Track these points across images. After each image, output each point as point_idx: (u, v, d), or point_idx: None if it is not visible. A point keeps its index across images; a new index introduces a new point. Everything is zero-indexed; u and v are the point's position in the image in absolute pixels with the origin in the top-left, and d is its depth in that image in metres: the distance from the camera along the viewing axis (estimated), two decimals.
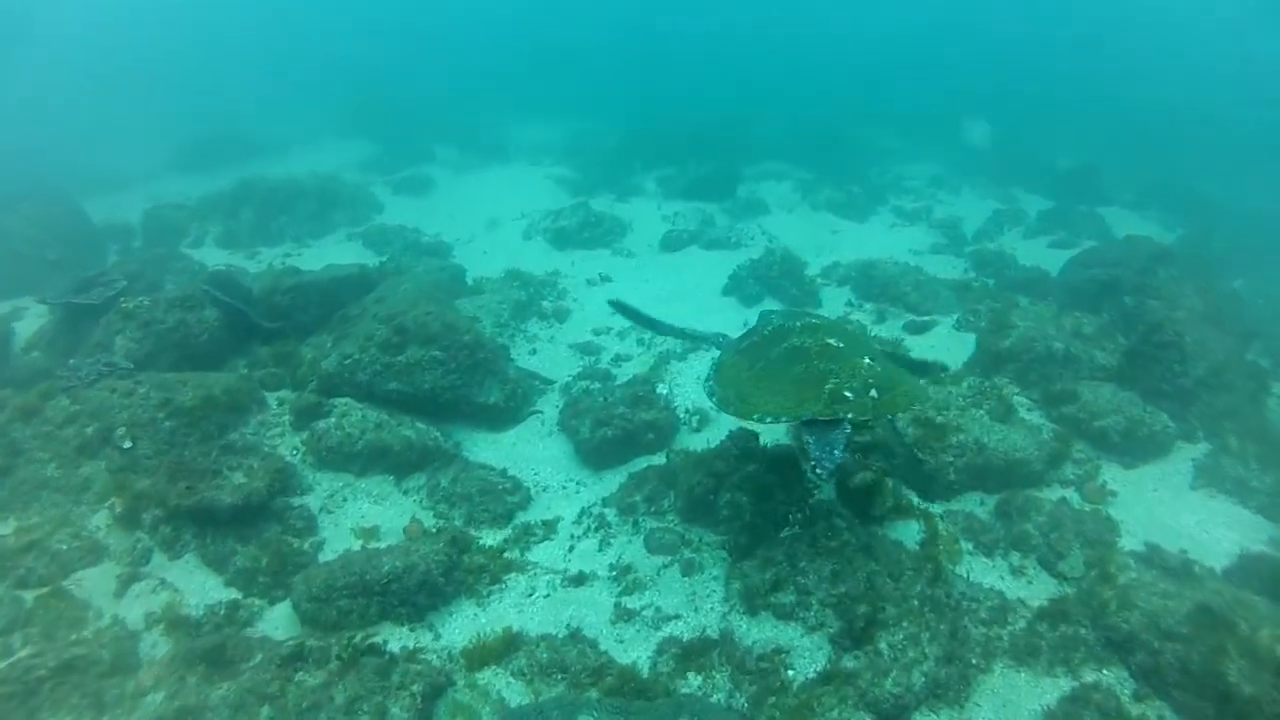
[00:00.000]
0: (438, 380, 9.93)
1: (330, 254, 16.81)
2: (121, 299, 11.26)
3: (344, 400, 9.72)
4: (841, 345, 6.91)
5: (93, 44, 37.67)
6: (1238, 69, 39.67)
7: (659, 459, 9.39)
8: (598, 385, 11.02)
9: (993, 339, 10.83)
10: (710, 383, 7.43)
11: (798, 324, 7.37)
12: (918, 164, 26.27)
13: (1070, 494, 8.69)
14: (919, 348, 11.94)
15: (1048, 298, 13.67)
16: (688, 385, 10.98)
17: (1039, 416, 9.81)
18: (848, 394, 6.36)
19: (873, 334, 12.49)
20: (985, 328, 11.50)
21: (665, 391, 10.72)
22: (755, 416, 6.68)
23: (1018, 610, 7.05)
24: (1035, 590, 7.42)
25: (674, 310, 13.45)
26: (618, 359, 12.03)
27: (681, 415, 10.32)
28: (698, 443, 9.56)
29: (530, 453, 9.93)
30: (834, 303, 13.97)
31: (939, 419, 8.73)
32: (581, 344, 12.49)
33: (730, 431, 8.62)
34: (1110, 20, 48.56)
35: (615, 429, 9.56)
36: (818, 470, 6.10)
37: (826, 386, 6.45)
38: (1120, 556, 7.37)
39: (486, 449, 9.98)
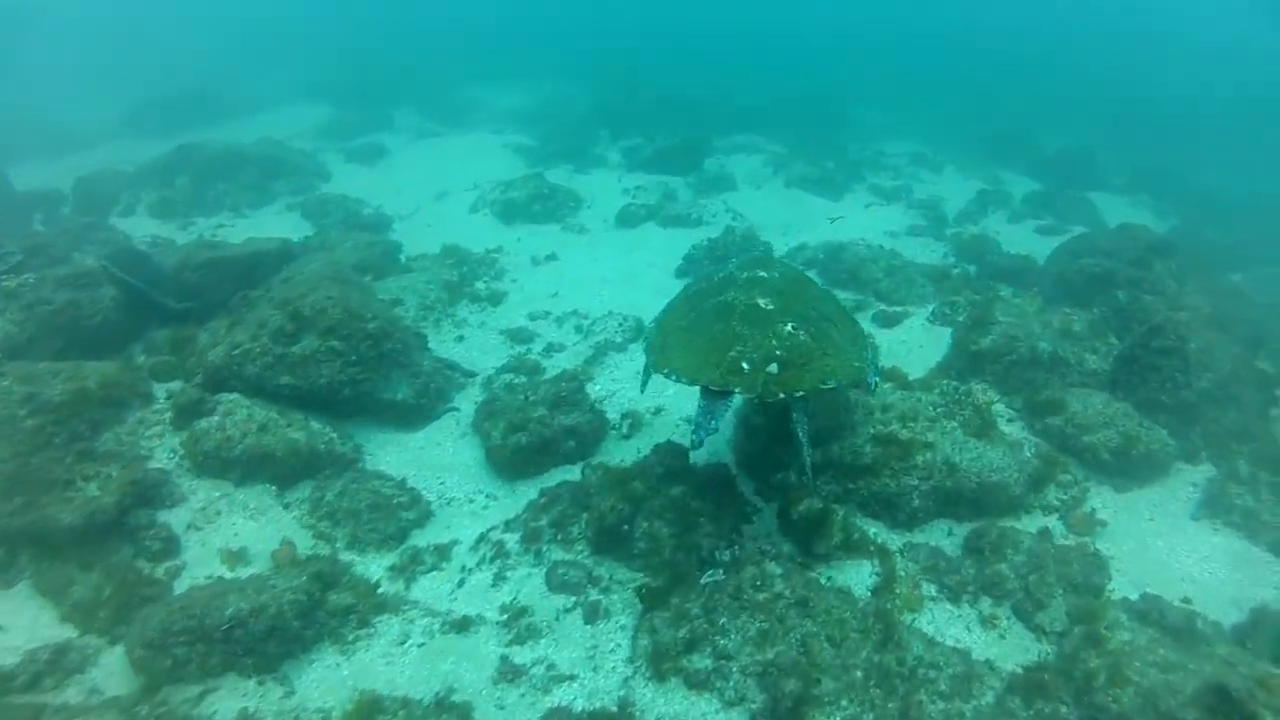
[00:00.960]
0: (335, 374, 8.65)
1: (267, 225, 15.51)
2: (4, 276, 9.99)
3: (232, 396, 8.42)
4: (772, 307, 6.37)
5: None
6: (1231, 52, 38.68)
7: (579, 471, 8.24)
8: (523, 379, 9.78)
9: (971, 336, 9.59)
10: (652, 324, 7.08)
11: (743, 275, 6.86)
12: (901, 141, 25.05)
13: (1053, 522, 7.49)
14: (889, 342, 10.72)
15: (1033, 289, 12.44)
16: (625, 382, 9.76)
17: (1020, 429, 8.62)
18: (745, 365, 5.92)
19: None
20: (963, 322, 10.24)
21: (597, 390, 9.50)
22: (665, 371, 6.24)
23: (985, 679, 5.76)
24: (1008, 649, 6.19)
25: (622, 294, 12.30)
26: (550, 349, 10.75)
27: (612, 418, 9.07)
28: (627, 452, 8.41)
29: (438, 458, 8.69)
30: None
31: (904, 434, 7.47)
32: (514, 330, 11.22)
33: (657, 444, 7.44)
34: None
35: (531, 435, 8.31)
36: (691, 437, 5.88)
37: (730, 353, 6.01)
38: (1111, 612, 6.09)
39: (391, 452, 8.73)
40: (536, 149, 21.50)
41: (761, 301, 6.38)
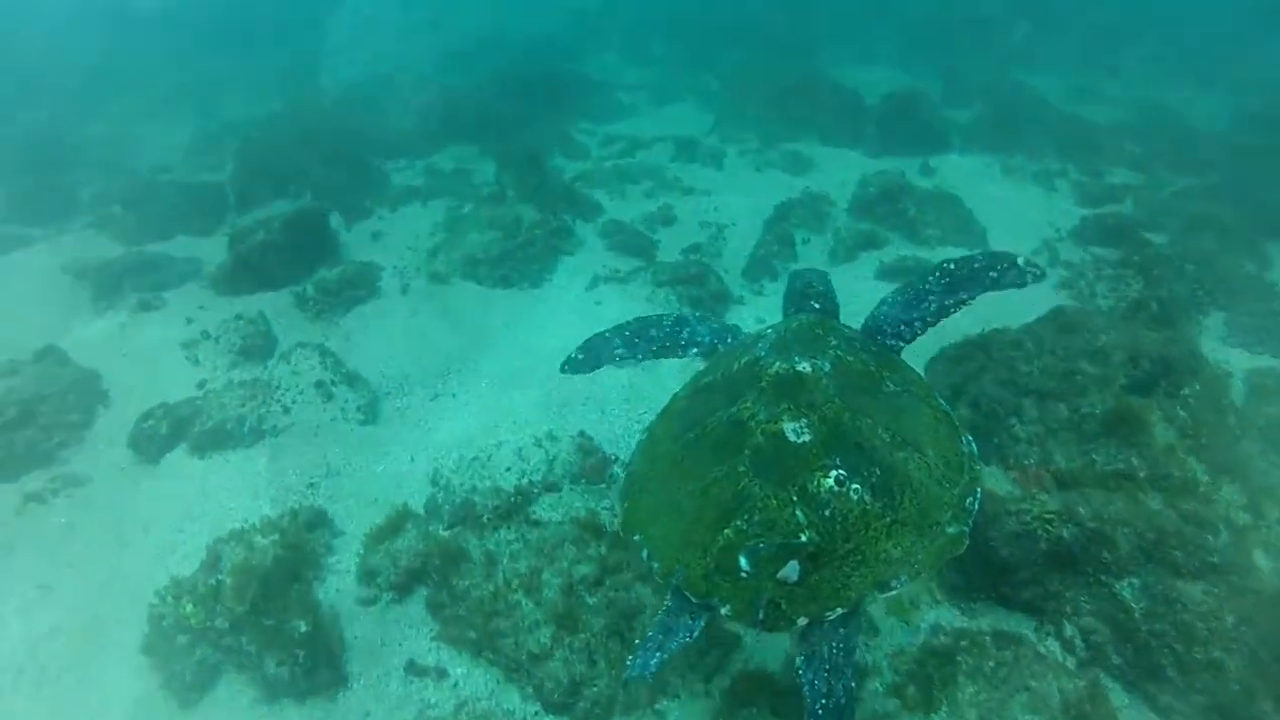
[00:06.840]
0: None
1: None
2: None
3: None
4: (807, 438, 3.66)
5: None
6: None
7: None
8: None
9: None
10: (636, 448, 4.38)
11: (772, 366, 4.01)
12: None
13: None
14: None
15: None
16: None
17: None
18: (743, 562, 3.43)
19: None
20: None
21: None
22: (636, 537, 3.85)
23: None
24: None
25: None
26: None
27: None
28: None
29: None
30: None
31: None
32: None
33: None
34: None
35: None
36: (629, 660, 3.46)
37: (724, 531, 3.52)
38: None
39: None
40: None
41: (791, 427, 3.73)
